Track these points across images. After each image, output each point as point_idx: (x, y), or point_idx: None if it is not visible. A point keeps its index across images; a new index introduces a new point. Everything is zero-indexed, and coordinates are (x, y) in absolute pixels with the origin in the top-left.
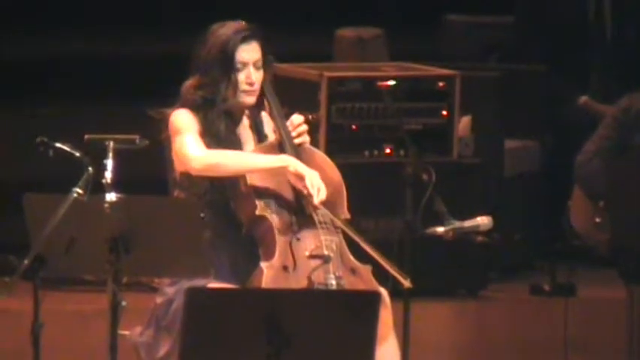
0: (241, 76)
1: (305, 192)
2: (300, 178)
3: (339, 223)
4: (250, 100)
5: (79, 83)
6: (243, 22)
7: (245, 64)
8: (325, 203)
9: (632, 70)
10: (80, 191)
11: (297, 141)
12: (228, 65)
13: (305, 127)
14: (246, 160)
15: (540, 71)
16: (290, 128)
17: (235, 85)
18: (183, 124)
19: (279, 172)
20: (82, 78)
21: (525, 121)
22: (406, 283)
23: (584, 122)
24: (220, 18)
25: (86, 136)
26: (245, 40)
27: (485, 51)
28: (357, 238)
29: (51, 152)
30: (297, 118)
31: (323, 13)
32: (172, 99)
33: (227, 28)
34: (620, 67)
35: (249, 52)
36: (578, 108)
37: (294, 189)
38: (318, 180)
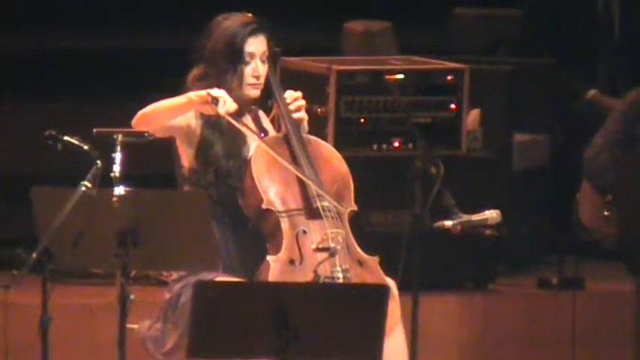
0: (248, 69)
1: (212, 111)
2: (205, 99)
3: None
4: (255, 93)
5: (88, 77)
6: (250, 14)
7: (252, 57)
8: (332, 195)
9: None
10: (89, 185)
11: (295, 115)
12: (236, 57)
13: (302, 101)
14: (161, 104)
15: (549, 65)
16: (289, 103)
17: (241, 77)
18: None
19: (194, 107)
20: (90, 72)
21: (534, 115)
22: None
23: (593, 116)
24: (226, 11)
25: (95, 130)
26: (253, 32)
27: (494, 44)
28: (275, 155)
29: (59, 145)
30: (292, 93)
31: (331, 6)
32: (178, 92)
33: (234, 20)
34: (628, 60)
35: (256, 45)
36: (587, 102)
37: (300, 181)
38: (220, 92)
